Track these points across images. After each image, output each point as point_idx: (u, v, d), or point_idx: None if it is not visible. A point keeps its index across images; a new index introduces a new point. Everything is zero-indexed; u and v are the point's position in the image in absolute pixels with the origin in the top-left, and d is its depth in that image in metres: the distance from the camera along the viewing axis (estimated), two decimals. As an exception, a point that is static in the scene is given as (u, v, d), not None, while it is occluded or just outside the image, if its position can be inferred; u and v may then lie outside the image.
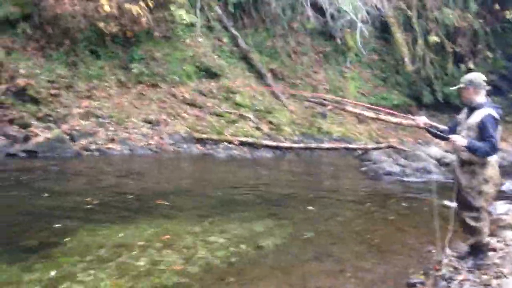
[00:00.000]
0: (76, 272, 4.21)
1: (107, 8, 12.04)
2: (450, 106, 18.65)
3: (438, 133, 4.57)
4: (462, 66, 18.38)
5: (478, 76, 4.42)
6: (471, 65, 18.22)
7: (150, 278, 4.15)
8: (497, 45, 18.89)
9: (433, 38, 17.95)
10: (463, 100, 4.52)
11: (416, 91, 18.46)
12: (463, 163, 4.35)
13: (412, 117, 4.94)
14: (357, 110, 16.52)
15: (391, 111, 6.44)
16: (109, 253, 4.76)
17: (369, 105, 11.20)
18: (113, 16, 12.47)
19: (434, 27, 18.27)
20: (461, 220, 4.42)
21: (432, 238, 5.52)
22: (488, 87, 4.44)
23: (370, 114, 16.42)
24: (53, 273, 4.18)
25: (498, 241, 5.12)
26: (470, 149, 4.19)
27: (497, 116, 4.26)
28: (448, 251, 4.71)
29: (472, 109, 4.40)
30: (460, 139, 4.20)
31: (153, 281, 4.09)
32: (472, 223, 4.37)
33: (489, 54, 18.64)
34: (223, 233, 5.60)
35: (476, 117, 4.28)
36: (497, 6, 18.01)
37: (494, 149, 4.22)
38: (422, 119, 4.71)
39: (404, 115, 5.82)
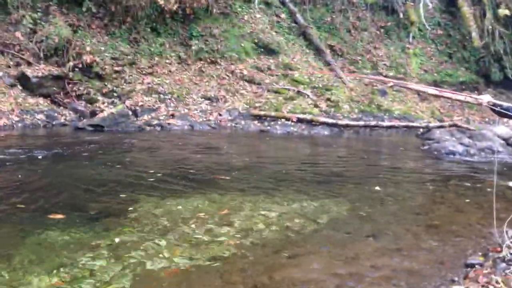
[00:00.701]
0: (139, 240, 4.43)
1: (167, -15, 12.26)
2: (520, 84, 17.69)
3: (503, 111, 4.37)
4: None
5: None
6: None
7: (208, 249, 4.30)
8: None
9: (503, 11, 16.90)
10: None
11: (484, 67, 17.61)
12: None
13: (475, 96, 4.74)
14: (419, 87, 16.07)
15: (450, 91, 6.19)
16: (170, 223, 4.96)
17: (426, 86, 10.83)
18: (173, -7, 12.71)
19: (504, -1, 17.21)
20: None
21: (493, 220, 5.35)
22: None
23: (433, 91, 15.96)
24: (117, 239, 4.43)
25: None
26: None
27: None
28: (510, 233, 4.54)
29: None
30: None
31: (210, 252, 4.23)
32: None
33: None
34: (279, 208, 5.68)
35: None
36: None
37: None
38: (485, 97, 4.52)
39: (467, 94, 5.57)
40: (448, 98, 14.39)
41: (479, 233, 5.01)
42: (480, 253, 4.33)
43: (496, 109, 4.45)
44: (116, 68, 12.60)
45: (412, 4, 17.47)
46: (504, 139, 11.43)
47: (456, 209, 6.07)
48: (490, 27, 17.11)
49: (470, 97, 4.99)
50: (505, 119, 14.90)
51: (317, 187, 6.89)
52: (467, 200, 6.46)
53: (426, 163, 9.50)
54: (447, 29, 18.23)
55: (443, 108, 15.83)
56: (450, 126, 12.74)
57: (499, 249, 4.21)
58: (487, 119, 14.91)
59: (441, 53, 17.95)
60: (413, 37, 17.75)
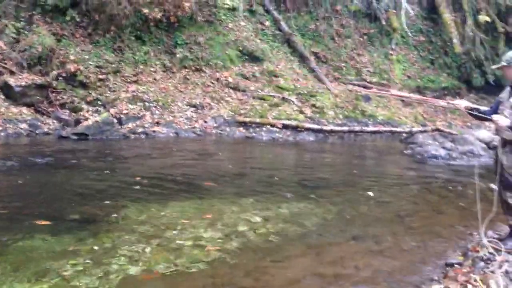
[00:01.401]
0: (122, 245, 4.43)
1: (151, -6, 12.31)
2: (501, 89, 17.98)
3: (479, 114, 4.47)
4: (515, 47, 17.62)
5: None
6: (524, 45, 17.45)
7: (191, 253, 4.31)
8: (553, 24, 17.94)
9: (484, 18, 17.27)
10: (505, 78, 4.39)
11: (465, 73, 17.90)
12: (505, 143, 4.24)
13: (452, 102, 4.84)
14: (402, 93, 16.28)
15: (425, 98, 6.30)
16: (154, 229, 4.96)
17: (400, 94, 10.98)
18: (156, 1, 12.74)
19: (484, 6, 17.57)
20: (503, 201, 4.32)
21: (474, 221, 5.45)
22: None
23: (416, 97, 16.18)
24: (100, 245, 4.42)
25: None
26: None
27: None
28: (489, 233, 4.63)
29: None
30: (503, 119, 4.10)
31: (193, 256, 4.24)
32: None
33: (544, 33, 17.74)
34: (263, 213, 5.71)
35: None
36: (553, -18, 17.10)
37: None
38: (462, 102, 4.62)
39: (443, 100, 5.65)
40: (428, 102, 14.69)
41: (459, 234, 5.10)
42: (460, 253, 4.41)
43: (473, 113, 4.55)
44: (101, 77, 12.56)
45: (394, 11, 17.73)
46: (485, 143, 11.63)
47: (438, 211, 6.17)
48: (471, 33, 17.41)
49: (448, 102, 5.08)
50: (487, 123, 15.16)
51: (302, 192, 6.95)
52: (449, 202, 6.57)
53: (410, 167, 9.63)
54: (429, 35, 18.51)
55: (426, 114, 16.04)
56: (433, 130, 12.94)
57: (478, 248, 4.29)
58: (468, 124, 15.13)
59: (423, 59, 18.21)
60: (396, 44, 17.99)
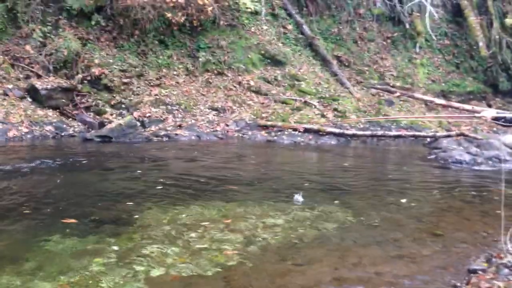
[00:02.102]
0: (144, 246, 4.48)
1: (174, -2, 12.46)
2: (528, 93, 17.62)
3: (506, 121, 4.41)
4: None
5: None
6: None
7: (211, 256, 4.34)
8: None
9: (510, 21, 16.93)
10: None
11: (491, 77, 17.57)
12: None
13: (479, 114, 4.73)
14: (426, 97, 16.09)
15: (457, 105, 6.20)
16: (175, 231, 5.00)
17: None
18: (180, 6, 12.88)
19: (510, 9, 17.21)
20: None
21: (499, 227, 5.34)
22: None
23: (440, 101, 15.97)
24: (123, 246, 4.49)
25: None
26: None
27: None
28: (515, 239, 4.53)
29: None
30: None
31: (214, 259, 4.27)
32: None
33: None
34: (285, 216, 5.70)
35: None
36: None
37: None
38: (488, 113, 4.55)
39: (469, 114, 5.55)
40: (455, 117, 14.52)
41: (483, 240, 5.00)
42: (483, 260, 4.33)
43: (499, 122, 4.48)
44: (124, 80, 12.76)
45: (418, 14, 17.53)
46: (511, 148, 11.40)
47: (462, 217, 6.07)
48: (497, 36, 17.10)
49: (474, 116, 4.99)
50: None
51: (323, 196, 6.92)
52: (473, 208, 6.45)
53: (433, 171, 9.49)
54: (454, 39, 18.24)
55: (451, 118, 15.78)
56: (457, 135, 12.70)
57: (502, 255, 4.21)
58: (494, 129, 14.83)
59: (448, 63, 17.95)
60: (420, 47, 17.78)
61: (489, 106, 16.16)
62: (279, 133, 12.70)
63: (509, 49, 17.20)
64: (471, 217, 6.01)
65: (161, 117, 12.45)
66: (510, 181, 8.26)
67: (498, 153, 10.49)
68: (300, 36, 16.42)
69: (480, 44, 17.13)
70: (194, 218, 5.48)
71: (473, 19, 17.37)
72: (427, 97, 16.17)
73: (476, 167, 9.79)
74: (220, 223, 5.33)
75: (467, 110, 15.61)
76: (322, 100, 14.57)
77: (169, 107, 12.81)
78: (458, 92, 17.23)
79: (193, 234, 4.90)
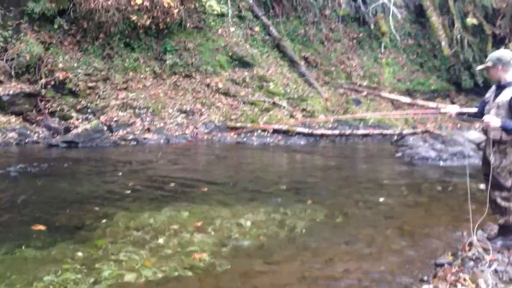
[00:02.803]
0: (112, 252, 4.41)
1: (139, 1, 12.29)
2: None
3: (469, 117, 4.53)
4: (503, 48, 17.76)
5: (506, 54, 4.31)
6: (511, 47, 17.59)
7: (181, 259, 4.30)
8: (539, 25, 18.11)
9: (471, 20, 17.40)
10: (490, 78, 4.43)
11: (454, 75, 18.00)
12: (493, 143, 4.27)
13: (443, 110, 4.85)
14: (392, 96, 16.38)
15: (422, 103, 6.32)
16: (144, 235, 4.94)
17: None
18: (145, 8, 12.71)
19: (471, 9, 17.70)
20: (491, 200, 4.34)
21: (464, 221, 5.47)
22: None
23: (406, 99, 16.28)
24: (90, 252, 4.40)
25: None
26: (504, 128, 4.10)
27: None
28: (479, 232, 4.64)
29: (500, 87, 4.30)
30: (494, 119, 4.11)
31: (183, 262, 4.23)
32: (503, 203, 4.28)
33: (531, 34, 17.89)
34: (254, 217, 5.71)
35: (506, 95, 4.18)
36: (539, -16, 17.27)
37: None
38: (453, 109, 4.64)
39: (434, 109, 5.68)
40: (421, 113, 14.88)
41: (449, 234, 5.12)
42: (450, 253, 4.42)
43: (464, 117, 4.59)
44: (90, 84, 12.51)
45: (382, 15, 17.83)
46: (475, 144, 11.69)
47: (429, 212, 6.19)
48: (459, 36, 17.53)
49: (440, 112, 5.09)
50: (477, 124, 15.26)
51: (293, 195, 6.96)
52: (439, 203, 6.59)
53: (400, 169, 9.65)
54: (417, 38, 18.62)
55: (417, 116, 16.09)
56: (423, 132, 12.97)
57: (467, 248, 4.30)
58: (458, 125, 15.21)
59: (412, 62, 18.31)
60: (385, 47, 18.07)
61: (453, 103, 16.54)
62: (248, 134, 12.70)
63: (470, 48, 17.65)
64: (437, 212, 6.14)
65: (129, 121, 12.27)
66: (474, 176, 8.48)
67: (462, 149, 10.75)
68: (267, 37, 16.47)
69: (443, 43, 17.53)
70: (164, 222, 5.42)
71: (435, 19, 17.77)
72: (393, 96, 16.47)
73: (441, 163, 10.01)
74: (191, 226, 5.29)
75: (432, 108, 15.97)
76: (290, 100, 14.64)
77: (136, 110, 12.64)
78: (423, 90, 17.59)
79: (162, 238, 4.84)
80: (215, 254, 4.44)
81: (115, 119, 12.10)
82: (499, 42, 17.89)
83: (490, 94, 4.46)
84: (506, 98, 4.17)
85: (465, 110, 4.71)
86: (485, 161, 4.45)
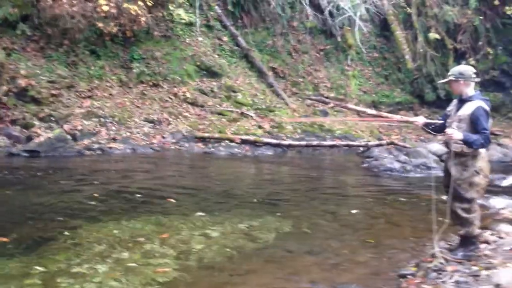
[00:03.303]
0: (74, 266, 4.29)
1: (105, 8, 12.12)
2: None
3: (431, 131, 4.65)
4: (463, 63, 18.36)
5: (468, 69, 4.45)
6: (472, 62, 18.16)
7: (145, 272, 4.21)
8: (498, 41, 18.80)
9: (433, 35, 17.92)
10: (452, 92, 4.56)
11: (417, 88, 18.45)
12: (454, 155, 4.38)
13: (411, 119, 4.95)
14: (358, 108, 16.65)
15: (387, 118, 6.46)
16: (108, 248, 4.83)
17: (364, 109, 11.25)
18: (112, 16, 12.54)
19: (434, 24, 18.23)
20: (453, 211, 4.44)
21: (427, 232, 5.57)
22: (477, 79, 4.46)
23: (372, 111, 16.58)
24: (51, 266, 4.27)
25: (492, 234, 5.15)
26: (466, 142, 4.21)
27: (487, 108, 4.29)
28: (441, 243, 4.74)
29: (462, 101, 4.43)
30: (456, 133, 4.23)
31: (147, 276, 4.14)
32: (464, 214, 4.39)
33: (490, 50, 18.55)
34: (220, 228, 5.67)
35: (467, 109, 4.31)
36: (496, 2, 17.94)
37: (488, 141, 4.25)
38: (420, 119, 4.73)
39: (403, 115, 5.80)
40: (388, 119, 15.21)
41: (413, 245, 5.21)
42: (413, 264, 4.49)
43: (426, 129, 4.69)
44: (53, 92, 12.19)
45: (348, 28, 18.17)
46: (437, 156, 12.00)
47: (393, 223, 6.29)
48: (422, 50, 18.02)
49: (408, 120, 5.22)
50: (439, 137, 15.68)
51: (261, 207, 6.95)
52: (403, 214, 6.71)
53: (366, 180, 9.81)
54: (382, 52, 19.04)
55: (382, 128, 16.42)
56: (388, 144, 13.23)
57: (430, 259, 4.39)
58: (422, 137, 15.58)
59: (378, 75, 18.69)
60: (351, 60, 18.40)
61: (416, 115, 16.96)
62: (216, 144, 12.65)
63: (433, 62, 18.15)
64: (401, 223, 6.25)
65: (94, 130, 12.03)
66: (436, 188, 8.69)
67: (425, 161, 11.01)
68: (236, 48, 16.53)
69: (406, 57, 17.99)
70: (128, 234, 5.32)
71: (399, 33, 18.23)
72: (360, 108, 16.73)
73: (405, 175, 10.23)
74: (156, 238, 5.21)
75: (397, 120, 16.32)
76: (258, 111, 14.69)
77: (102, 119, 12.41)
78: (388, 102, 17.96)
79: (126, 251, 4.75)
80: (179, 267, 4.37)
81: (79, 127, 11.83)
82: (460, 57, 18.49)
83: (451, 107, 4.58)
84: (467, 112, 4.29)
85: (431, 121, 4.81)
86: (446, 173, 4.56)
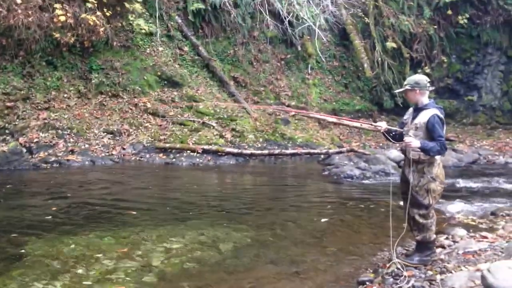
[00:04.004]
0: (29, 283, 4.15)
1: (62, 18, 11.87)
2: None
3: (390, 138, 4.72)
4: (419, 71, 18.94)
5: (423, 78, 4.58)
6: (427, 70, 18.78)
7: (104, 288, 4.13)
8: (451, 50, 19.53)
9: (391, 44, 18.42)
10: (408, 101, 4.67)
11: (376, 96, 18.88)
12: (412, 162, 4.49)
13: (374, 124, 5.03)
14: (319, 116, 16.87)
15: (352, 119, 6.56)
16: (64, 264, 4.72)
17: (326, 115, 11.42)
18: (69, 26, 12.29)
19: (391, 33, 18.75)
20: (410, 217, 4.55)
21: (386, 238, 5.69)
22: (431, 88, 4.60)
23: (333, 119, 16.82)
24: (6, 284, 4.12)
25: (446, 238, 5.30)
26: (423, 149, 4.33)
27: (442, 116, 4.42)
28: (398, 249, 4.84)
29: (418, 109, 4.54)
30: (414, 141, 4.34)
31: (105, 291, 4.06)
32: (421, 220, 4.50)
33: (444, 58, 19.23)
34: (181, 240, 5.62)
35: (423, 117, 4.43)
36: (450, 12, 18.63)
37: (445, 149, 4.36)
38: (383, 124, 4.79)
39: (365, 121, 5.86)
40: (349, 126, 15.49)
41: (371, 252, 5.30)
42: (371, 270, 4.57)
43: (386, 135, 4.76)
44: (8, 104, 11.84)
45: (308, 37, 18.43)
46: (396, 162, 12.28)
47: (353, 230, 6.38)
48: (380, 58, 18.46)
49: (371, 124, 5.29)
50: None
51: (222, 217, 6.93)
52: (362, 221, 6.82)
53: (327, 187, 9.93)
54: (342, 60, 19.40)
55: (343, 135, 16.69)
56: (348, 151, 13.45)
57: (388, 265, 4.47)
58: (381, 144, 15.92)
59: (337, 83, 19.01)
60: (312, 69, 18.65)
61: (375, 122, 17.35)
62: (177, 155, 12.55)
63: (390, 70, 18.62)
64: (360, 230, 6.35)
65: (51, 142, 11.74)
66: (394, 193, 8.88)
67: (384, 167, 11.25)
68: (197, 57, 16.50)
69: (365, 65, 18.39)
70: (87, 249, 5.20)
71: (358, 42, 18.64)
72: (320, 115, 16.95)
73: (365, 181, 10.41)
74: (115, 252, 5.11)
75: (356, 127, 16.63)
76: (220, 120, 14.68)
77: (59, 131, 12.12)
78: (348, 110, 18.27)
79: (83, 267, 4.64)
80: (139, 282, 4.30)
81: (35, 140, 11.53)
82: (416, 65, 19.06)
83: (408, 116, 4.70)
84: (423, 120, 4.41)
85: (392, 128, 4.87)
86: (404, 179, 4.67)
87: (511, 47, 19.50)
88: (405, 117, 4.76)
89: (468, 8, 18.78)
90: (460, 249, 4.85)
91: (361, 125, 14.66)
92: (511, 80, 19.62)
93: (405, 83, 4.64)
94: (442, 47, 19.40)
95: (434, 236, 4.63)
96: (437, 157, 4.48)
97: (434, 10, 19.12)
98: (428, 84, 4.55)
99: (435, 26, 19.06)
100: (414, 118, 4.56)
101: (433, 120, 4.35)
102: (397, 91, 4.91)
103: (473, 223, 6.45)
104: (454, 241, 5.16)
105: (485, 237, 5.28)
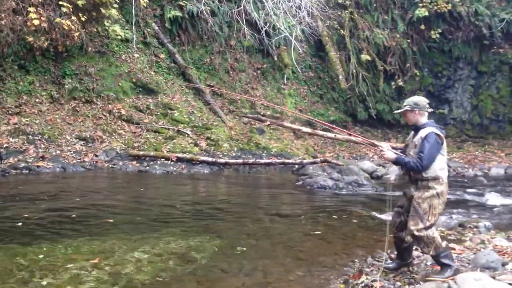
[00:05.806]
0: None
1: (36, 22, 11.69)
2: (383, 122, 19.51)
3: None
4: (392, 84, 19.33)
5: (422, 99, 4.63)
6: (400, 83, 19.18)
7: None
8: (424, 63, 19.98)
9: (365, 57, 18.75)
10: (407, 121, 4.67)
11: (351, 107, 19.16)
12: (415, 180, 4.49)
13: (377, 143, 4.99)
14: (294, 126, 16.99)
15: (345, 130, 6.59)
16: (32, 275, 4.61)
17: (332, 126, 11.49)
18: (42, 30, 12.11)
19: (365, 46, 19.09)
20: (409, 233, 4.48)
21: (357, 248, 5.77)
22: (430, 110, 4.63)
23: (307, 129, 16.96)
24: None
25: (415, 249, 5.38)
26: (398, 163, 4.39)
27: (440, 133, 4.42)
28: (369, 259, 4.91)
29: (417, 129, 4.58)
30: (390, 152, 4.38)
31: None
32: (423, 233, 4.40)
33: (417, 72, 19.65)
34: (153, 249, 5.57)
35: (421, 135, 4.46)
36: (423, 27, 19.07)
37: (421, 164, 4.32)
38: (385, 145, 4.74)
39: (366, 139, 5.76)
40: (358, 141, 15.60)
41: (342, 262, 5.34)
42: (341, 281, 4.61)
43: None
44: (-23, 108, 11.65)
45: (285, 48, 18.60)
46: (368, 173, 12.47)
47: (324, 241, 6.43)
48: (355, 70, 18.77)
49: (373, 143, 5.26)
50: (371, 154, 16.27)
51: (194, 226, 6.90)
52: (334, 232, 6.88)
53: (300, 197, 9.98)
54: (317, 71, 19.63)
55: (317, 146, 16.84)
56: (322, 162, 13.58)
57: (358, 275, 4.52)
58: (354, 155, 16.11)
59: (313, 94, 19.21)
60: (288, 79, 18.81)
61: (349, 135, 17.54)
62: (151, 162, 12.45)
63: (365, 82, 18.94)
64: (332, 241, 6.40)
65: (21, 147, 11.52)
66: (366, 204, 9.02)
67: (357, 178, 11.39)
68: (173, 65, 16.47)
69: (340, 77, 18.64)
70: (56, 259, 5.10)
71: (333, 54, 18.90)
72: (295, 126, 17.07)
73: (338, 192, 10.52)
74: (85, 262, 5.02)
75: (330, 138, 16.81)
76: (195, 129, 14.65)
77: (30, 137, 11.91)
78: (323, 121, 18.45)
79: (52, 277, 4.54)
80: (108, 292, 4.25)
81: (5, 145, 11.30)
82: (389, 78, 19.44)
83: (409, 137, 4.72)
84: (421, 136, 4.44)
85: (396, 147, 4.86)
86: (405, 196, 4.65)
87: (481, 62, 20.09)
88: (407, 139, 4.79)
89: (441, 24, 19.26)
90: (428, 260, 4.93)
91: (368, 141, 14.72)
92: (481, 95, 20.19)
93: (405, 103, 4.66)
94: (415, 61, 19.84)
95: (445, 242, 4.54)
96: (442, 175, 4.43)
97: (408, 24, 19.56)
98: (427, 105, 4.60)
99: (409, 40, 19.50)
100: (413, 137, 4.58)
101: (426, 137, 4.36)
102: (396, 112, 4.89)
103: (442, 234, 6.57)
104: (423, 252, 5.23)
105: (453, 249, 5.38)
